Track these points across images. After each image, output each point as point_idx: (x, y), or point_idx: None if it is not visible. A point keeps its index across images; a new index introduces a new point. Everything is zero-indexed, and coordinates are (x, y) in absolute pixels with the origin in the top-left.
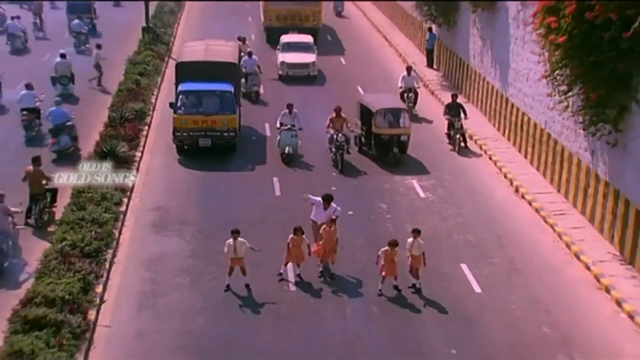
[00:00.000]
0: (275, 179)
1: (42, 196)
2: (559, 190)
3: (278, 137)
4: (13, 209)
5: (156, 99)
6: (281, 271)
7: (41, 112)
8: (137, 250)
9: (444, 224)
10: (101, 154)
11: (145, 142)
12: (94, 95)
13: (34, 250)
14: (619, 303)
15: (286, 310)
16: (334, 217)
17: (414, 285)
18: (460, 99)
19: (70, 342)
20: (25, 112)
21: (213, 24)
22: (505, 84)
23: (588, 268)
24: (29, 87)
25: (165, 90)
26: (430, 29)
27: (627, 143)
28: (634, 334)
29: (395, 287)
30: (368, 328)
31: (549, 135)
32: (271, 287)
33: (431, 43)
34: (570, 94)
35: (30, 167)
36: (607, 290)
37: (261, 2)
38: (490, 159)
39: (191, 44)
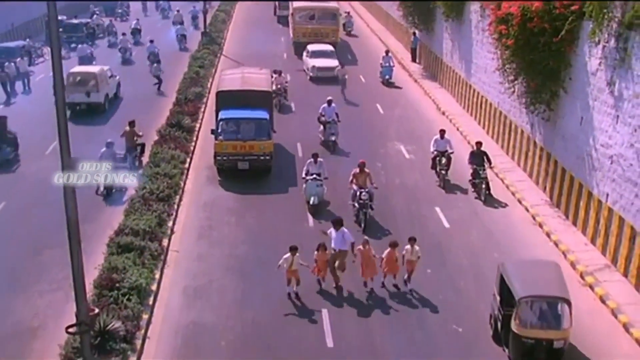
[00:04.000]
0: (298, 144)
1: (134, 149)
2: (507, 153)
3: (304, 186)
4: (118, 152)
5: (211, 85)
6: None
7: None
8: (196, 196)
9: (423, 180)
10: (171, 125)
11: (202, 117)
12: (166, 82)
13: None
14: (548, 235)
15: (307, 244)
16: (350, 241)
17: (405, 284)
18: (435, 85)
19: (150, 262)
20: (150, 56)
21: (252, 32)
22: (469, 74)
23: (527, 210)
24: (152, 41)
25: (217, 79)
26: (414, 33)
27: (556, 120)
28: (558, 256)
29: (395, 285)
30: None
31: (500, 112)
32: (294, 224)
33: (415, 43)
34: (516, 82)
35: (127, 128)
36: (540, 226)
37: (290, 22)
38: (457, 129)
39: (229, 72)
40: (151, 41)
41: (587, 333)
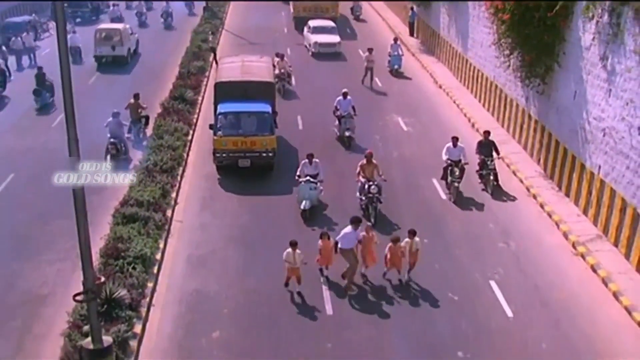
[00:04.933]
0: (299, 117)
1: (138, 120)
2: (502, 125)
3: (297, 188)
4: (124, 122)
5: (212, 59)
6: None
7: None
8: (199, 168)
9: (420, 151)
10: (174, 98)
11: (205, 90)
12: (168, 57)
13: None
14: (542, 206)
15: (307, 218)
16: (358, 239)
17: (409, 279)
18: (432, 59)
19: (154, 232)
20: (163, 14)
21: (253, 6)
22: (466, 49)
23: (522, 182)
24: (168, 2)
25: (219, 53)
26: (412, 8)
27: (550, 93)
28: (551, 227)
29: (399, 280)
30: None
31: (496, 85)
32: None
33: (413, 18)
34: (511, 56)
35: (132, 100)
36: (534, 197)
37: None
38: (454, 102)
39: (227, 60)
40: (167, 1)
41: (578, 301)
